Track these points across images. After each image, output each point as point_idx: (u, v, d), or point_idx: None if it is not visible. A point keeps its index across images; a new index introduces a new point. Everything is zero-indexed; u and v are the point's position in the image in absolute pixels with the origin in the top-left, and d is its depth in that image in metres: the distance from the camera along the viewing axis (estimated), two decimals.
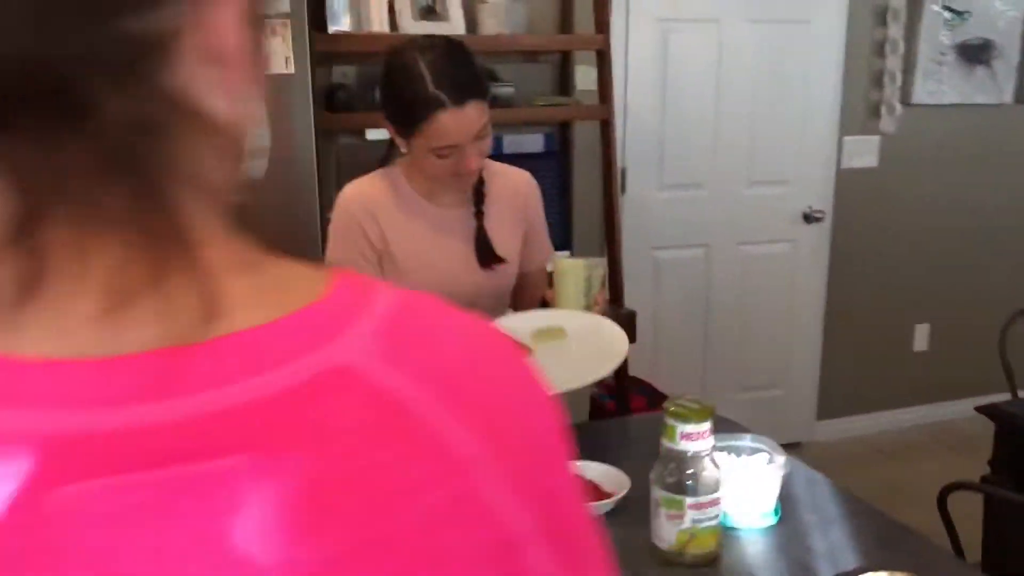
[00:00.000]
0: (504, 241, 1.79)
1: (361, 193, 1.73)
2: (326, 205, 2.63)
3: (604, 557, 0.46)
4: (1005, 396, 2.57)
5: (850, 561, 1.33)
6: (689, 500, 1.28)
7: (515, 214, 1.83)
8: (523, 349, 1.57)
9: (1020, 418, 2.26)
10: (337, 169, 2.90)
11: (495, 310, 1.84)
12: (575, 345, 1.65)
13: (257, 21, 0.42)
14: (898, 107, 3.70)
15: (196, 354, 0.36)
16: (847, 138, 3.70)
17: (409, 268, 1.72)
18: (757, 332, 3.76)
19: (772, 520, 1.42)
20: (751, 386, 3.80)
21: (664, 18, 3.36)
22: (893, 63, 3.67)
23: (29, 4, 0.33)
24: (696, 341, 3.70)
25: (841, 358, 3.91)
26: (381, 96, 1.66)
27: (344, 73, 2.95)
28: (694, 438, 1.28)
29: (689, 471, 1.29)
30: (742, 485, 1.40)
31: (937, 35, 3.71)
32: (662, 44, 3.39)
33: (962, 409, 3.77)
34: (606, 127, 3.06)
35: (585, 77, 3.19)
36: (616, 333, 1.66)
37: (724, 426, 1.69)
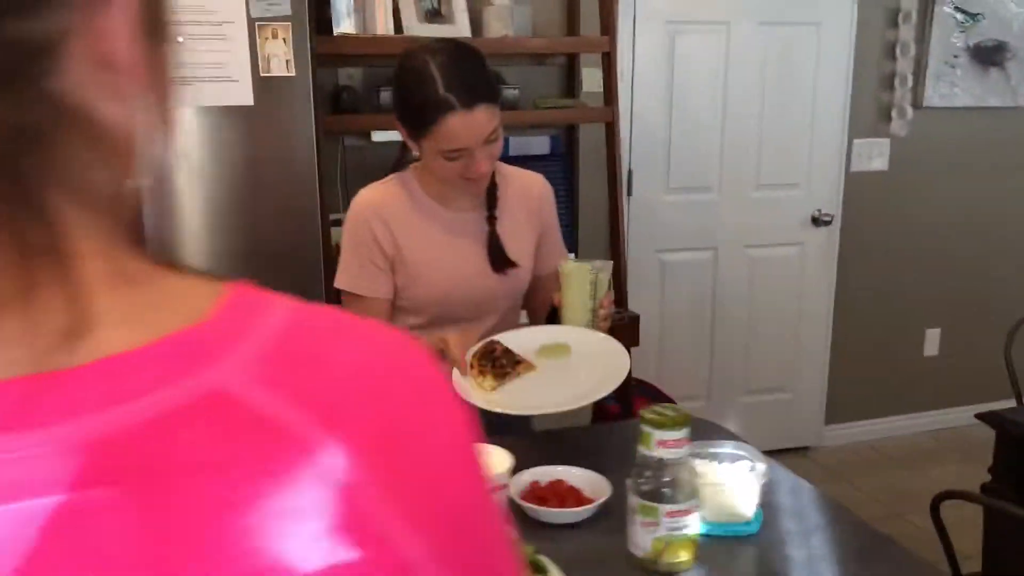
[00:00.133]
0: (517, 245, 1.79)
1: (374, 198, 1.74)
2: (329, 206, 2.66)
3: None
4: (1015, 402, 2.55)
5: (827, 572, 1.32)
6: (664, 508, 1.27)
7: (529, 217, 1.82)
8: (528, 365, 1.60)
9: (1021, 426, 2.24)
10: (343, 170, 2.92)
11: (509, 313, 1.84)
12: (577, 361, 1.66)
13: (157, 27, 0.41)
14: (909, 110, 3.66)
15: (58, 381, 0.35)
16: (857, 141, 3.68)
17: (422, 272, 1.72)
18: (765, 336, 3.74)
19: (752, 528, 1.41)
20: (758, 390, 3.78)
21: (672, 20, 3.36)
22: (904, 65, 3.63)
23: None
24: (703, 344, 3.69)
25: (850, 362, 3.88)
26: (393, 98, 1.68)
27: (349, 75, 2.97)
28: (670, 445, 1.27)
29: (665, 479, 1.28)
30: (720, 492, 1.40)
31: (949, 37, 3.67)
32: (669, 46, 3.38)
33: (973, 415, 3.72)
34: (610, 129, 3.06)
35: (591, 79, 3.20)
36: (619, 350, 1.66)
37: (709, 431, 1.68)
